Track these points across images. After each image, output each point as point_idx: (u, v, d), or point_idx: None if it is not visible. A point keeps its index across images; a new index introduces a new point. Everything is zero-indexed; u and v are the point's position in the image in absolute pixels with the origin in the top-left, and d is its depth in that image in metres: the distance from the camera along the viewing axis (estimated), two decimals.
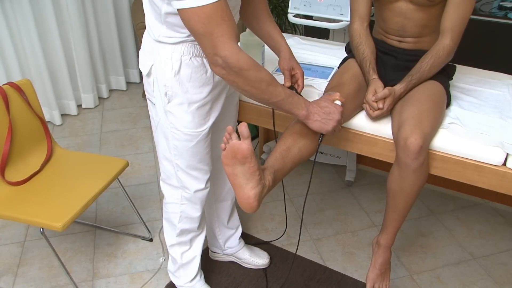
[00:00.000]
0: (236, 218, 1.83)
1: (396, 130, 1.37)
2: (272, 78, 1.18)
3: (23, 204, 1.64)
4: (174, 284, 1.72)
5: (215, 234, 1.82)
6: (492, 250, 1.99)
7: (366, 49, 1.51)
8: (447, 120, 1.43)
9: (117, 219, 2.17)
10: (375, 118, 1.46)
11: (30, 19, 2.64)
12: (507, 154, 1.33)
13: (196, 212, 1.53)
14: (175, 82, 1.27)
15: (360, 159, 2.49)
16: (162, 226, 1.76)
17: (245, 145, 1.10)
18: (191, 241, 1.62)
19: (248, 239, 2.00)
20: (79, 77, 3.07)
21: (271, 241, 2.02)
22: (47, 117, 2.92)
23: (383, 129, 1.46)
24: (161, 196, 2.29)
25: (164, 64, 1.26)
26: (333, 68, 1.74)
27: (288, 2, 2.22)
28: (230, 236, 1.84)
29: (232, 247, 1.86)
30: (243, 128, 1.10)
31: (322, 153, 2.44)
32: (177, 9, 1.08)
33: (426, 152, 1.34)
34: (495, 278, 1.86)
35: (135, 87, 3.47)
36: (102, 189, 1.71)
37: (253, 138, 2.68)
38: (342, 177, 2.45)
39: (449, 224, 2.14)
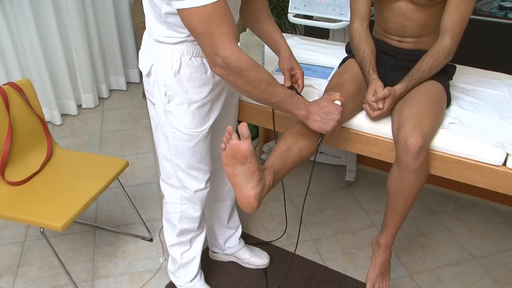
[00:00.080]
0: (236, 218, 1.83)
1: (396, 130, 1.37)
2: (272, 78, 1.18)
3: (23, 204, 1.64)
4: (174, 284, 1.72)
5: (215, 234, 1.82)
6: (492, 250, 1.99)
7: (366, 49, 1.51)
8: (447, 120, 1.43)
9: (117, 219, 2.17)
10: (375, 118, 1.46)
11: (30, 19, 2.64)
12: (507, 154, 1.33)
13: (196, 212, 1.53)
14: (175, 82, 1.27)
15: (360, 159, 2.49)
16: (162, 226, 1.76)
17: (245, 145, 1.10)
18: (191, 241, 1.62)
19: (248, 239, 2.00)
20: (79, 77, 3.07)
21: (271, 241, 2.02)
22: (47, 117, 2.92)
23: (383, 129, 1.46)
24: (161, 196, 2.29)
25: (164, 64, 1.26)
26: (333, 68, 1.74)
27: (288, 2, 2.22)
28: (230, 236, 1.84)
29: (232, 247, 1.86)
30: (243, 128, 1.10)
31: (322, 153, 2.44)
32: (177, 9, 1.08)
33: (426, 152, 1.34)
34: (495, 278, 1.86)
35: (135, 87, 3.47)
36: (102, 189, 1.71)
37: (253, 138, 2.68)
38: (342, 177, 2.45)
39: (449, 224, 2.14)
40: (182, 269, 1.66)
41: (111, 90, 3.39)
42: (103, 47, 3.20)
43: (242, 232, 1.88)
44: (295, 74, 1.43)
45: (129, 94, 3.36)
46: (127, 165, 1.85)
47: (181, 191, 1.49)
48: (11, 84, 1.76)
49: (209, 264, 1.89)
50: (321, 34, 2.40)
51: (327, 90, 1.51)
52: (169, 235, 1.62)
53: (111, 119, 3.03)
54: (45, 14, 2.74)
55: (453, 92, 1.57)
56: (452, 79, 1.60)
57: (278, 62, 1.44)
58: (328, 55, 1.87)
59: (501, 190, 1.35)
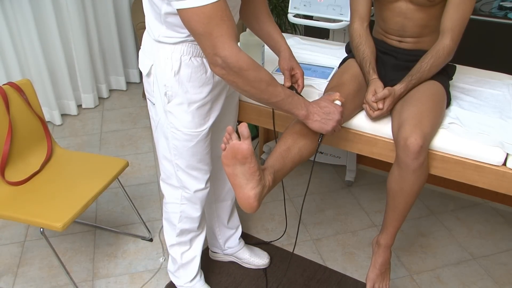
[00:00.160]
0: (236, 218, 1.83)
1: (396, 130, 1.37)
2: (272, 78, 1.18)
3: (23, 204, 1.64)
4: (174, 284, 1.72)
5: (215, 234, 1.82)
6: (492, 250, 1.99)
7: (366, 49, 1.51)
8: (447, 120, 1.43)
9: (117, 219, 2.17)
10: (375, 118, 1.45)
11: (30, 19, 2.64)
12: (507, 154, 1.33)
13: (196, 212, 1.53)
14: (175, 82, 1.27)
15: (360, 159, 2.49)
16: (162, 226, 1.76)
17: (245, 145, 1.10)
18: (191, 241, 1.62)
19: (248, 239, 2.00)
20: (79, 77, 3.07)
21: (271, 241, 2.02)
22: (47, 117, 2.92)
23: (383, 129, 1.46)
24: (161, 196, 2.29)
25: (164, 64, 1.26)
26: (333, 68, 1.74)
27: (288, 2, 2.22)
28: (230, 236, 1.84)
29: (232, 247, 1.86)
30: (243, 128, 1.10)
31: (322, 153, 2.44)
32: (177, 9, 1.08)
33: (426, 152, 1.34)
34: (495, 278, 1.86)
35: (135, 87, 3.47)
36: (102, 189, 1.71)
37: (253, 138, 2.68)
38: (342, 177, 2.45)
39: (449, 224, 2.14)
40: (182, 269, 1.66)
41: (111, 90, 3.39)
42: (103, 47, 3.20)
43: (242, 232, 1.88)
44: (295, 74, 1.43)
45: (129, 94, 3.36)
46: (127, 165, 1.85)
47: (181, 191, 1.49)
48: (11, 84, 1.76)
49: (209, 264, 1.89)
50: (321, 34, 2.40)
51: (327, 90, 1.51)
52: (169, 235, 1.62)
53: (111, 119, 3.03)
54: (45, 14, 2.75)
55: (453, 92, 1.57)
56: (452, 79, 1.60)
57: (278, 62, 1.44)
58: (328, 55, 1.87)
59: (501, 190, 1.35)
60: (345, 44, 1.78)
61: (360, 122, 1.49)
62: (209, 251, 1.92)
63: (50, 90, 2.87)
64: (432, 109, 1.39)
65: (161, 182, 1.55)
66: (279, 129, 1.58)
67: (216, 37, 1.08)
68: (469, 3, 1.39)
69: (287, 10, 2.11)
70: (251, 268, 1.88)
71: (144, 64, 1.34)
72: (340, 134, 1.50)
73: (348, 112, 1.43)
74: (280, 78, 1.39)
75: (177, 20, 1.15)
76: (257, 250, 1.91)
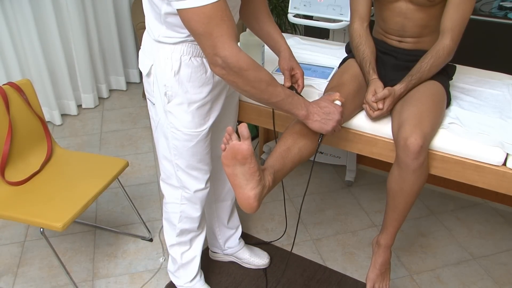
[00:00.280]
0: (236, 218, 1.83)
1: (396, 130, 1.37)
2: (272, 78, 1.18)
3: (23, 204, 1.64)
4: (174, 284, 1.72)
5: (215, 234, 1.82)
6: (492, 250, 1.99)
7: (366, 49, 1.51)
8: (447, 120, 1.43)
9: (117, 219, 2.17)
10: (375, 118, 1.46)
11: (30, 19, 2.64)
12: (507, 154, 1.33)
13: (196, 212, 1.53)
14: (175, 82, 1.27)
15: (360, 159, 2.49)
16: (162, 226, 1.76)
17: (245, 145, 1.10)
18: (191, 241, 1.62)
19: (248, 239, 2.00)
20: (79, 77, 3.07)
21: (271, 241, 2.02)
22: (47, 117, 2.92)
23: (383, 129, 1.46)
24: (161, 196, 2.29)
25: (164, 64, 1.26)
26: (333, 68, 1.74)
27: (288, 2, 2.22)
28: (230, 236, 1.84)
29: (232, 247, 1.86)
30: (243, 128, 1.10)
31: (322, 153, 2.44)
32: (177, 9, 1.08)
33: (426, 152, 1.34)
34: (495, 278, 1.86)
35: (135, 87, 3.47)
36: (102, 189, 1.71)
37: (253, 138, 2.68)
38: (342, 177, 2.45)
39: (449, 224, 2.14)
40: (182, 269, 1.66)
41: (111, 90, 3.39)
42: (103, 47, 3.20)
43: (242, 232, 1.88)
44: (295, 74, 1.43)
45: (129, 94, 3.36)
46: (127, 165, 1.85)
47: (181, 191, 1.49)
48: (11, 84, 1.76)
49: (209, 264, 1.89)
50: (321, 34, 2.40)
51: (327, 90, 1.51)
52: (169, 235, 1.62)
53: (111, 119, 3.03)
54: (45, 14, 2.74)
55: (453, 92, 1.57)
56: (452, 79, 1.60)
57: (278, 62, 1.44)
58: (328, 55, 1.87)
59: (501, 190, 1.35)
60: (345, 44, 1.78)
61: (360, 122, 1.49)
62: (209, 251, 1.92)
63: (50, 90, 2.87)
64: (432, 109, 1.39)
65: (161, 182, 1.55)
66: (279, 129, 1.58)
67: (216, 37, 1.08)
68: (469, 3, 1.39)
69: (287, 10, 2.11)
70: (251, 268, 1.88)
71: (144, 64, 1.34)
72: (340, 134, 1.50)
73: (348, 112, 1.43)
74: (280, 78, 1.39)
75: (177, 20, 1.15)
76: (257, 250, 1.91)
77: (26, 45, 2.71)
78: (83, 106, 3.17)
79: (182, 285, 1.69)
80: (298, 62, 1.44)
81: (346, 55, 1.71)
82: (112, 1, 3.07)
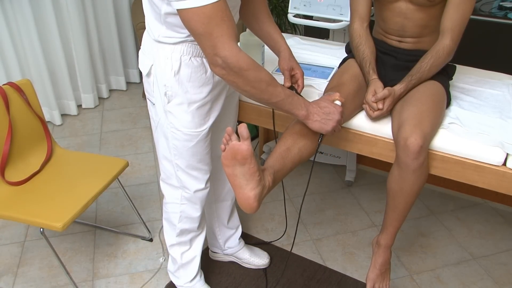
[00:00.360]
0: (236, 218, 1.83)
1: (396, 130, 1.37)
2: (272, 78, 1.18)
3: (23, 204, 1.64)
4: (174, 284, 1.72)
5: (215, 234, 1.82)
6: (492, 250, 1.99)
7: (366, 49, 1.51)
8: (447, 120, 1.43)
9: (117, 219, 2.17)
10: (375, 119, 1.46)
11: (30, 19, 2.64)
12: (507, 154, 1.33)
13: (196, 212, 1.53)
14: (175, 82, 1.27)
15: (360, 159, 2.49)
16: (162, 226, 1.76)
17: (244, 146, 1.10)
18: (191, 241, 1.62)
19: (248, 239, 2.00)
20: (79, 77, 3.07)
21: (271, 242, 2.02)
22: (47, 117, 2.92)
23: (383, 129, 1.46)
24: (161, 196, 2.29)
25: (164, 64, 1.26)
26: (333, 68, 1.74)
27: (288, 2, 2.22)
28: (230, 236, 1.84)
29: (232, 247, 1.86)
30: (243, 129, 1.10)
31: (322, 153, 2.44)
32: (177, 10, 1.08)
33: (426, 152, 1.34)
34: (495, 278, 1.86)
35: (135, 87, 3.47)
36: (102, 189, 1.71)
37: (253, 138, 2.68)
38: (342, 177, 2.45)
39: (449, 224, 2.14)
40: (182, 269, 1.66)
41: (111, 90, 3.39)
42: (103, 47, 3.20)
43: (242, 232, 1.88)
44: (295, 74, 1.43)
45: (129, 94, 3.36)
46: (127, 165, 1.85)
47: (181, 191, 1.49)
48: (11, 84, 1.76)
49: (209, 264, 1.89)
50: (321, 34, 2.40)
51: (327, 90, 1.51)
52: (169, 235, 1.62)
53: (111, 119, 3.03)
54: (45, 14, 2.74)
55: (453, 92, 1.57)
56: (452, 79, 1.60)
57: (278, 62, 1.44)
58: (328, 55, 1.87)
59: (501, 190, 1.35)
60: (345, 44, 1.78)
61: (360, 122, 1.49)
62: (209, 251, 1.92)
63: (50, 90, 2.87)
64: (432, 109, 1.39)
65: (161, 182, 1.55)
66: (279, 129, 1.58)
67: (216, 37, 1.08)
68: (469, 3, 1.39)
69: (287, 10, 2.11)
70: (251, 268, 1.88)
71: (144, 64, 1.34)
72: (340, 134, 1.50)
73: (348, 112, 1.43)
74: (280, 78, 1.39)
75: (177, 20, 1.15)
76: (257, 250, 1.91)
77: (26, 45, 2.71)
78: (83, 106, 3.17)
79: (182, 285, 1.69)
80: (298, 62, 1.44)
81: (346, 55, 1.71)
82: (112, 1, 3.07)
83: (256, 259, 1.87)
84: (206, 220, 1.76)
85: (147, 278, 1.86)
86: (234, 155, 1.12)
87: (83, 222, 2.14)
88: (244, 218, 2.14)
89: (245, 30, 1.62)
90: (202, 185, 1.47)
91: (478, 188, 1.51)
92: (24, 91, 1.79)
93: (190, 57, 1.25)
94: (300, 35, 2.79)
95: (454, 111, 1.48)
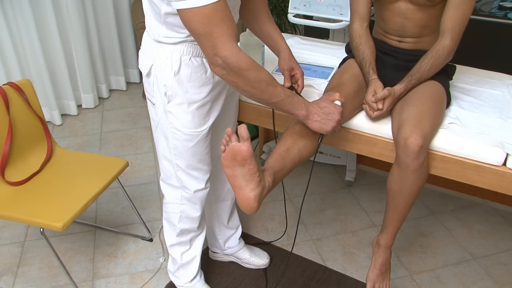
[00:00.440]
0: (236, 218, 1.83)
1: (396, 130, 1.37)
2: (272, 79, 1.18)
3: (23, 204, 1.64)
4: (174, 284, 1.72)
5: (215, 234, 1.82)
6: (492, 250, 1.99)
7: (366, 49, 1.51)
8: (447, 120, 1.43)
9: (117, 219, 2.17)
10: (375, 119, 1.45)
11: (30, 19, 2.64)
12: (507, 154, 1.33)
13: (196, 212, 1.53)
14: (175, 82, 1.27)
15: (360, 159, 2.49)
16: (162, 226, 1.76)
17: (244, 147, 1.10)
18: (191, 241, 1.62)
19: (248, 239, 2.00)
20: (79, 77, 3.07)
21: (271, 242, 2.02)
22: (47, 117, 2.92)
23: (383, 129, 1.46)
24: (161, 196, 2.29)
25: (164, 64, 1.26)
26: (333, 68, 1.74)
27: (288, 2, 2.22)
28: (230, 236, 1.84)
29: (232, 247, 1.86)
30: (243, 130, 1.10)
31: (322, 153, 2.44)
32: (177, 10, 1.08)
33: (426, 152, 1.34)
34: (495, 278, 1.86)
35: (135, 87, 3.47)
36: (102, 189, 1.71)
37: (253, 138, 2.68)
38: (342, 177, 2.45)
39: (449, 224, 2.14)
40: (182, 269, 1.66)
41: (111, 90, 3.39)
42: (103, 47, 3.20)
43: (242, 232, 1.88)
44: (295, 74, 1.43)
45: (129, 94, 3.36)
46: (127, 165, 1.85)
47: (181, 191, 1.49)
48: (11, 84, 1.76)
49: (209, 264, 1.89)
50: (321, 34, 2.40)
51: (327, 90, 1.51)
52: (169, 235, 1.62)
53: (111, 119, 3.03)
54: (45, 14, 2.74)
55: (453, 92, 1.57)
56: (452, 79, 1.60)
57: (278, 63, 1.44)
58: (328, 55, 1.87)
59: (501, 190, 1.35)
60: (345, 44, 1.78)
61: (360, 122, 1.49)
62: (209, 251, 1.92)
63: (50, 90, 2.87)
64: (432, 109, 1.38)
65: (161, 182, 1.55)
66: (279, 129, 1.58)
67: (216, 37, 1.08)
68: (469, 3, 1.39)
69: (287, 10, 2.11)
70: (251, 268, 1.88)
71: (144, 64, 1.34)
72: (340, 134, 1.50)
73: (348, 112, 1.43)
74: (280, 78, 1.39)
75: (177, 20, 1.15)
76: (257, 250, 1.91)
77: (26, 45, 2.71)
78: (83, 106, 3.17)
79: (182, 285, 1.69)
80: (298, 62, 1.44)
81: (346, 55, 1.71)
82: (112, 1, 3.07)
83: (256, 259, 1.87)
84: (206, 220, 1.76)
85: (147, 278, 1.86)
86: (234, 156, 1.12)
87: (83, 222, 2.14)
88: (244, 218, 2.14)
89: (245, 30, 1.62)
90: (202, 185, 1.47)
91: (478, 188, 1.51)
92: (24, 91, 1.79)
93: (190, 57, 1.25)
94: (300, 35, 2.79)
95: (454, 111, 1.48)
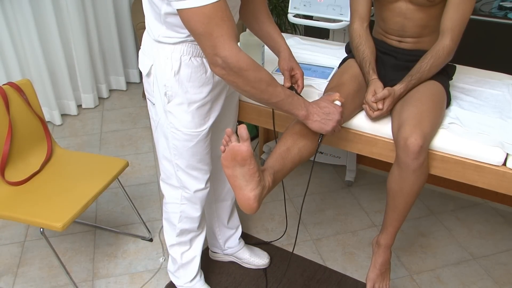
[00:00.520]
0: (236, 218, 1.83)
1: (396, 130, 1.37)
2: (272, 79, 1.18)
3: (23, 204, 1.64)
4: (174, 284, 1.72)
5: (215, 234, 1.82)
6: (492, 250, 1.99)
7: (366, 50, 1.51)
8: (447, 120, 1.43)
9: (117, 219, 2.17)
10: (375, 119, 1.45)
11: (30, 19, 2.64)
12: (507, 154, 1.33)
13: (196, 212, 1.53)
14: (175, 82, 1.27)
15: (360, 159, 2.49)
16: (162, 226, 1.76)
17: (244, 147, 1.10)
18: (191, 241, 1.62)
19: (248, 239, 2.00)
20: (79, 77, 3.07)
21: (271, 241, 2.02)
22: (47, 117, 2.92)
23: (383, 129, 1.46)
24: (161, 196, 2.29)
25: (164, 64, 1.26)
26: (333, 68, 1.74)
27: (288, 2, 2.22)
28: (230, 236, 1.84)
29: (232, 247, 1.86)
30: (243, 130, 1.10)
31: (322, 153, 2.44)
32: (177, 10, 1.08)
33: (426, 152, 1.34)
34: (495, 278, 1.86)
35: (135, 87, 3.47)
36: (102, 189, 1.71)
37: (253, 138, 2.68)
38: (342, 177, 2.45)
39: (449, 224, 2.14)
40: (182, 269, 1.66)
41: (111, 90, 3.39)
42: (103, 47, 3.20)
43: (242, 232, 1.88)
44: (295, 74, 1.43)
45: (129, 94, 3.36)
46: (127, 165, 1.85)
47: (181, 191, 1.49)
48: (11, 84, 1.76)
49: (209, 264, 1.89)
50: (321, 34, 2.40)
51: (327, 90, 1.51)
52: (169, 235, 1.62)
53: (111, 119, 3.03)
54: (45, 14, 2.74)
55: (453, 92, 1.57)
56: (452, 79, 1.60)
57: (278, 63, 1.44)
58: (328, 55, 1.87)
59: (501, 190, 1.35)
60: (345, 44, 1.78)
61: (360, 122, 1.49)
62: (209, 251, 1.92)
63: (50, 90, 2.87)
64: (432, 109, 1.38)
65: (161, 182, 1.55)
66: (279, 129, 1.58)
67: (216, 37, 1.08)
68: (469, 3, 1.39)
69: (287, 10, 2.11)
70: (251, 268, 1.88)
71: (144, 64, 1.34)
72: (340, 134, 1.50)
73: (348, 112, 1.43)
74: (280, 79, 1.39)
75: (177, 20, 1.15)
76: (257, 250, 1.91)
77: (26, 45, 2.71)
78: (83, 106, 3.17)
79: (182, 285, 1.69)
80: (298, 62, 1.44)
81: (346, 55, 1.71)
82: (112, 1, 3.07)
83: (256, 259, 1.87)
84: (206, 220, 1.76)
85: (147, 278, 1.86)
86: (234, 156, 1.12)
87: (83, 222, 2.14)
88: (244, 218, 2.14)
89: (245, 30, 1.62)
90: (202, 185, 1.47)
91: (478, 188, 1.51)
92: (24, 91, 1.79)
93: (190, 57, 1.25)
94: (300, 35, 2.79)
95: (454, 111, 1.48)
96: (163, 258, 1.95)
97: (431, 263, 1.93)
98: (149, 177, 2.46)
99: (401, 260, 1.95)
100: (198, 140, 1.36)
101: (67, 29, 2.90)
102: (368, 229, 2.11)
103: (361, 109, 1.50)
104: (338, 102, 1.30)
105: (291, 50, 1.44)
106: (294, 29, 3.17)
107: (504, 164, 1.33)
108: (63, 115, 3.06)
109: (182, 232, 1.58)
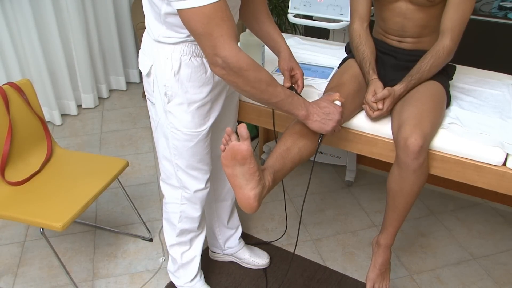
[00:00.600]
0: (236, 218, 1.83)
1: (396, 130, 1.37)
2: (272, 79, 1.18)
3: (23, 204, 1.64)
4: (174, 284, 1.72)
5: (215, 234, 1.82)
6: (492, 250, 1.99)
7: (366, 50, 1.51)
8: (447, 120, 1.43)
9: (117, 219, 2.17)
10: (375, 119, 1.46)
11: (30, 19, 2.64)
12: (507, 154, 1.33)
13: (196, 212, 1.53)
14: (175, 82, 1.27)
15: (360, 159, 2.49)
16: (162, 226, 1.76)
17: (244, 146, 1.10)
18: (191, 241, 1.62)
19: (248, 239, 2.00)
20: (79, 77, 3.07)
21: (271, 241, 2.02)
22: (47, 117, 2.92)
23: (383, 129, 1.46)
24: (161, 196, 2.29)
25: (164, 64, 1.26)
26: (333, 68, 1.74)
27: (288, 2, 2.22)
28: (230, 236, 1.84)
29: (232, 247, 1.86)
30: (242, 129, 1.10)
31: (322, 153, 2.44)
32: (177, 10, 1.08)
33: (426, 152, 1.34)
34: (495, 278, 1.86)
35: (135, 87, 3.47)
36: (102, 189, 1.71)
37: (253, 138, 2.68)
38: (342, 177, 2.45)
39: (449, 224, 2.14)
40: (182, 269, 1.66)
41: (111, 90, 3.39)
42: (103, 47, 3.20)
43: (242, 232, 1.88)
44: (295, 74, 1.43)
45: (129, 94, 3.36)
46: (127, 165, 1.85)
47: (181, 191, 1.49)
48: (11, 84, 1.76)
49: (209, 264, 1.89)
50: (321, 34, 2.40)
51: (327, 90, 1.51)
52: (169, 235, 1.62)
53: (111, 119, 3.03)
54: (45, 14, 2.74)
55: (453, 92, 1.57)
56: (452, 79, 1.60)
57: (278, 63, 1.44)
58: (328, 55, 1.87)
59: (501, 190, 1.35)
60: (345, 44, 1.78)
61: (360, 122, 1.49)
62: (209, 251, 1.92)
63: (50, 90, 2.87)
64: (432, 109, 1.39)
65: (161, 182, 1.55)
66: (279, 129, 1.58)
67: (216, 37, 1.08)
68: (469, 3, 1.39)
69: (287, 10, 2.11)
70: (251, 268, 1.88)
71: (144, 64, 1.34)
72: (340, 134, 1.50)
73: (348, 112, 1.43)
74: (280, 79, 1.39)
75: (177, 20, 1.15)
76: (257, 250, 1.91)
77: (26, 45, 2.71)
78: (83, 106, 3.17)
79: (182, 285, 1.69)
80: (298, 62, 1.44)
81: (346, 55, 1.71)
82: (112, 1, 3.07)
83: (256, 259, 1.87)
84: (206, 220, 1.76)
85: (147, 278, 1.86)
86: (234, 155, 1.12)
87: (83, 222, 2.14)
88: (244, 218, 2.14)
89: (245, 30, 1.62)
90: (202, 185, 1.47)
91: (478, 188, 1.51)
92: (24, 91, 1.79)
93: (190, 57, 1.25)
94: (300, 35, 2.79)
95: (454, 111, 1.48)
96: (163, 258, 1.95)
97: (431, 263, 1.94)
98: (149, 177, 2.46)
99: (401, 260, 1.95)
100: (198, 140, 1.36)
101: (67, 29, 2.90)
102: (368, 229, 2.11)
103: (361, 109, 1.50)
104: (338, 102, 1.30)
105: (291, 50, 1.44)
106: (294, 29, 3.17)
107: (504, 164, 1.33)
108: (63, 115, 3.06)
109: (182, 232, 1.58)
